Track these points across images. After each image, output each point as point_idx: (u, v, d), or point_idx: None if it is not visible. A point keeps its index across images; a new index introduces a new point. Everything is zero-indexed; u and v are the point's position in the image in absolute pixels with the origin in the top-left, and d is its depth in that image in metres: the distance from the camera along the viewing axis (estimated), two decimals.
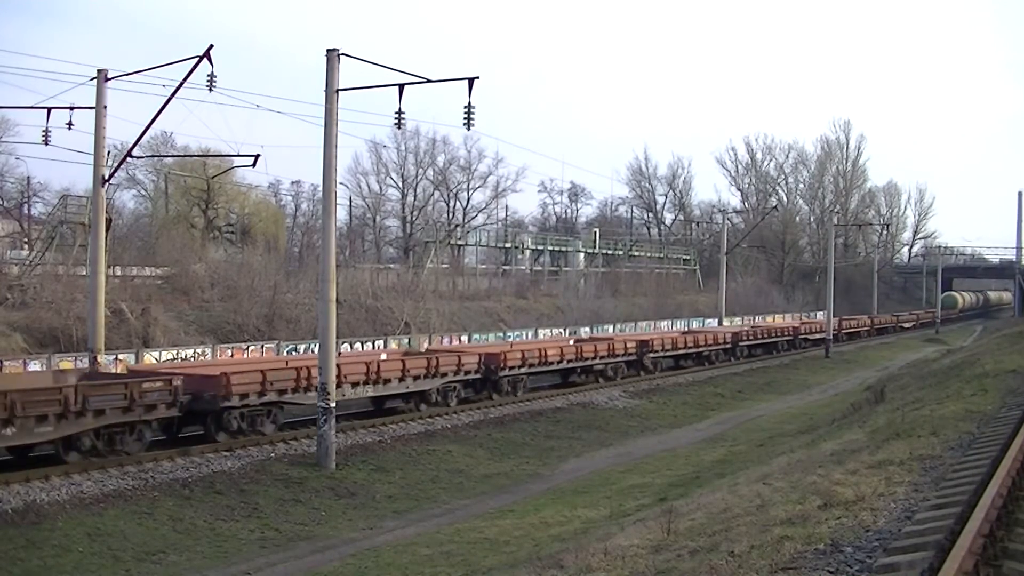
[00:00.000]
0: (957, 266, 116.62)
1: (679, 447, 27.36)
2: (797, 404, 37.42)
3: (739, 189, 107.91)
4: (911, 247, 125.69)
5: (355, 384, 25.95)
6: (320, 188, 23.76)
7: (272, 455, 22.34)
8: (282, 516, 18.48)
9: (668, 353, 43.63)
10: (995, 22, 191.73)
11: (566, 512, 18.24)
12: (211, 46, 23.39)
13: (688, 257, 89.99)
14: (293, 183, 78.71)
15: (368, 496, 20.44)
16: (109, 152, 27.63)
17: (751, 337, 53.14)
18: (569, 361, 35.91)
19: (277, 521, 18.12)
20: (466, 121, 22.36)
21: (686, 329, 54.58)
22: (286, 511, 18.83)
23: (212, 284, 42.91)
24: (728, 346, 49.60)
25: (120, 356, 28.62)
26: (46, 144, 26.44)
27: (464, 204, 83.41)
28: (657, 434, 30.20)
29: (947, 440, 14.59)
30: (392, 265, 65.30)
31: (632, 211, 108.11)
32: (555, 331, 48.97)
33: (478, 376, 30.95)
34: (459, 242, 70.50)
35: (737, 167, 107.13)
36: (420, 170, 80.00)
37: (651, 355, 41.52)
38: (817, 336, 60.27)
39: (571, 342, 39.19)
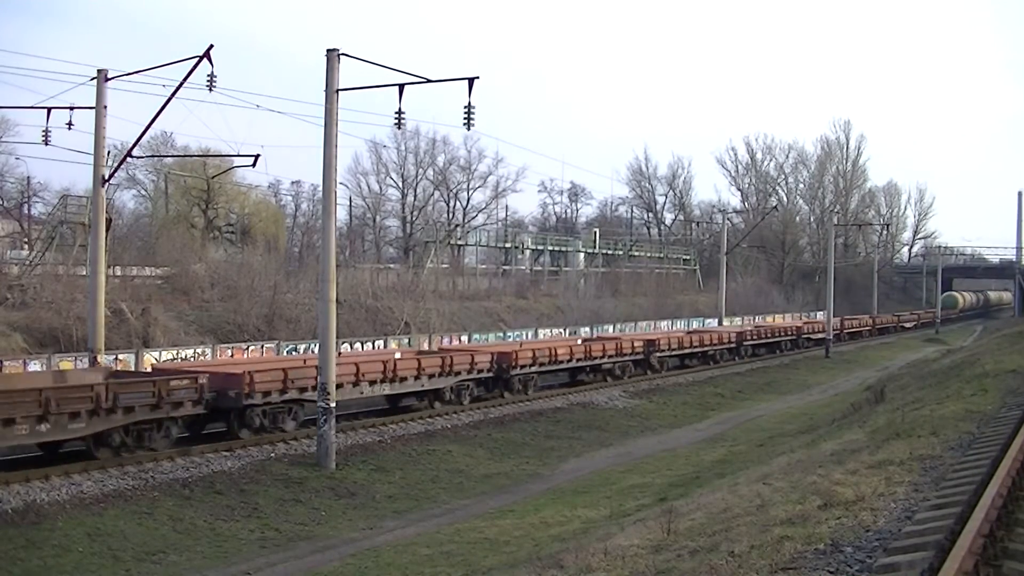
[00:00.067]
0: (957, 266, 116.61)
1: (679, 447, 27.36)
2: (797, 404, 37.42)
3: (739, 189, 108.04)
4: (911, 247, 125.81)
5: (372, 382, 26.57)
6: (320, 188, 23.76)
7: (272, 455, 22.34)
8: (282, 516, 18.49)
9: (674, 352, 44.48)
10: (995, 22, 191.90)
11: (566, 512, 18.24)
12: (211, 46, 23.43)
13: (688, 257, 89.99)
14: (293, 183, 78.88)
15: (368, 496, 20.44)
16: (109, 152, 27.64)
17: (755, 337, 53.87)
18: (578, 360, 36.55)
19: (277, 521, 18.12)
20: (466, 121, 22.37)
21: (691, 329, 55.02)
22: (286, 511, 18.83)
23: (212, 284, 42.90)
24: (732, 345, 50.24)
25: (120, 356, 28.60)
26: (46, 144, 26.47)
27: (464, 204, 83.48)
28: (657, 434, 30.20)
29: (947, 440, 14.59)
30: (392, 265, 65.28)
31: (632, 211, 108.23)
32: (555, 331, 48.97)
33: (490, 375, 31.51)
34: (459, 242, 70.48)
35: (737, 167, 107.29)
36: (420, 170, 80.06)
37: (658, 354, 42.21)
38: (820, 336, 60.58)
39: (579, 341, 39.58)
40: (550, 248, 76.51)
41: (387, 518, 18.89)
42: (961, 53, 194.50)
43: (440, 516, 19.01)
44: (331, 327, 22.61)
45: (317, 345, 25.29)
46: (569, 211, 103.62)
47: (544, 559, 12.51)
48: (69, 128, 26.10)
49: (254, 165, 27.47)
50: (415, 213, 78.56)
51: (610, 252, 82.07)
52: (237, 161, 36.06)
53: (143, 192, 67.16)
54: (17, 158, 56.46)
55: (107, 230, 27.85)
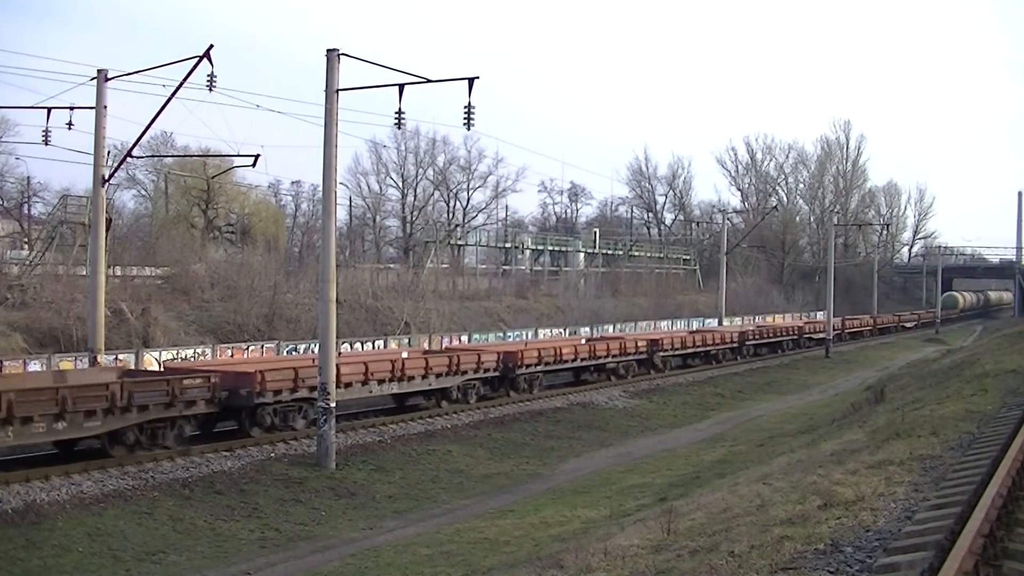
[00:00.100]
0: (957, 266, 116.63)
1: (679, 447, 27.36)
2: (797, 404, 37.42)
3: (739, 189, 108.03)
4: (911, 247, 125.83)
5: (381, 381, 26.88)
6: (320, 188, 23.76)
7: (272, 455, 22.35)
8: (282, 516, 18.48)
9: (677, 352, 44.84)
10: (995, 22, 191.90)
11: (566, 512, 18.24)
12: (211, 46, 23.44)
13: (688, 257, 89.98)
14: (293, 183, 78.86)
15: (368, 496, 20.44)
16: (109, 152, 27.65)
17: (757, 336, 54.24)
18: (583, 360, 36.83)
19: (277, 521, 18.12)
20: (466, 121, 22.37)
21: (694, 328, 55.26)
22: (286, 511, 18.83)
23: (212, 284, 42.88)
24: (735, 345, 50.58)
25: (120, 356, 28.60)
26: (46, 144, 26.48)
27: (464, 204, 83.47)
28: (657, 434, 30.20)
29: (947, 440, 14.59)
30: (392, 265, 65.25)
31: (632, 211, 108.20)
32: (555, 331, 48.98)
33: (496, 374, 31.79)
34: (459, 242, 70.46)
35: (737, 167, 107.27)
36: (420, 170, 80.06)
37: (661, 354, 42.58)
38: (821, 336, 60.79)
39: (583, 341, 39.78)
40: (550, 248, 76.50)
41: (387, 518, 18.89)
42: (961, 53, 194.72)
43: (440, 516, 19.01)
44: (331, 327, 22.61)
45: (317, 345, 25.32)
46: (569, 211, 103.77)
47: (544, 559, 12.51)
48: (69, 128, 26.14)
49: (254, 165, 27.52)
50: (415, 213, 78.56)
51: (610, 252, 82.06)
52: (237, 161, 36.12)
53: (143, 192, 67.26)
54: (17, 158, 56.56)
55: (107, 230, 27.86)
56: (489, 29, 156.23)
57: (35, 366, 26.46)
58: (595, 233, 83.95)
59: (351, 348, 35.44)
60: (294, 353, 33.35)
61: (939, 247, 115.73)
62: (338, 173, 23.51)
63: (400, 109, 22.07)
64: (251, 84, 76.03)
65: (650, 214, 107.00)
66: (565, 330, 49.55)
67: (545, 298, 62.28)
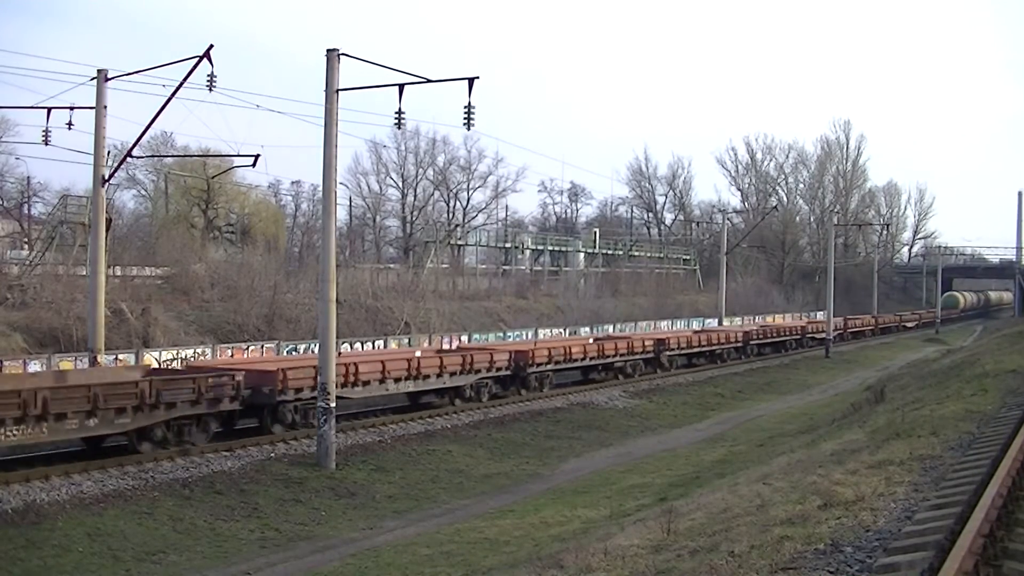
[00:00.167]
0: (957, 266, 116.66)
1: (679, 447, 27.36)
2: (797, 404, 37.42)
3: (739, 189, 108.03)
4: (911, 247, 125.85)
5: (397, 379, 27.48)
6: (320, 188, 23.75)
7: (272, 455, 22.34)
8: (282, 516, 18.48)
9: (683, 351, 45.36)
10: (995, 22, 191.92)
11: (566, 512, 18.24)
12: (211, 46, 23.43)
13: (688, 257, 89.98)
14: (293, 183, 78.85)
15: (368, 496, 20.44)
16: (109, 152, 27.64)
17: (761, 336, 54.84)
18: (592, 358, 37.40)
19: (277, 521, 18.11)
20: (466, 121, 22.37)
21: (700, 328, 55.59)
22: (286, 511, 18.83)
23: (212, 284, 42.88)
24: (739, 345, 51.10)
25: (120, 356, 28.60)
26: (46, 144, 26.47)
27: (464, 204, 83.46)
28: (657, 434, 30.20)
29: (947, 440, 14.59)
30: (392, 265, 65.25)
31: (632, 211, 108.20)
32: (555, 331, 49.00)
33: (508, 373, 32.27)
34: (459, 242, 70.47)
35: (737, 167, 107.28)
36: (420, 170, 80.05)
37: (667, 353, 43.13)
38: (823, 335, 60.88)
39: (591, 340, 40.13)
40: (550, 248, 76.50)
41: (387, 518, 18.89)
42: (961, 53, 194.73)
43: (440, 516, 19.01)
44: (331, 327, 22.61)
45: (318, 345, 25.32)
46: (569, 211, 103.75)
47: (544, 559, 12.50)
48: (69, 128, 26.13)
49: (254, 165, 27.52)
50: (415, 213, 78.55)
51: (610, 252, 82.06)
52: (237, 161, 36.12)
53: (143, 192, 67.23)
54: (17, 158, 56.54)
55: (107, 230, 27.85)
56: (489, 29, 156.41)
57: (35, 366, 26.46)
58: (595, 233, 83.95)
59: (351, 348, 35.44)
60: (294, 353, 33.37)
61: (939, 247, 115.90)
62: (338, 173, 23.52)
63: (400, 109, 22.10)
64: (251, 84, 76.22)
65: (650, 214, 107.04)
66: (565, 330, 49.56)
67: (545, 298, 62.28)
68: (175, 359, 30.07)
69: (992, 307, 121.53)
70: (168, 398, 20.76)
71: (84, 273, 31.84)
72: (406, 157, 79.20)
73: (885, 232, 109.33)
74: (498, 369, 31.64)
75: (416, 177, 79.79)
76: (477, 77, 21.80)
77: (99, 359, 25.46)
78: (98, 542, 16.02)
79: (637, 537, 11.81)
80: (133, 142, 27.49)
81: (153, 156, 55.76)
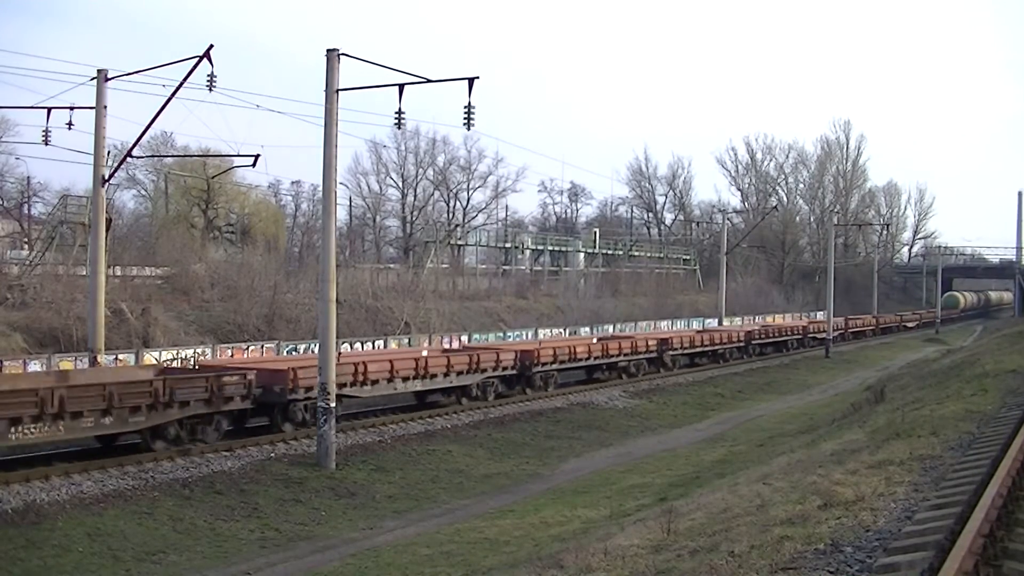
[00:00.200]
0: (957, 266, 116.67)
1: (679, 447, 27.36)
2: (797, 404, 37.42)
3: (739, 189, 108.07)
4: (911, 247, 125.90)
5: (406, 378, 27.76)
6: (320, 188, 23.75)
7: (272, 455, 22.34)
8: (282, 516, 18.48)
9: (686, 351, 45.64)
10: (995, 22, 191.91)
11: (566, 512, 18.24)
12: (211, 46, 23.45)
13: (688, 257, 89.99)
14: (293, 183, 78.87)
15: (368, 496, 20.44)
16: (109, 152, 27.64)
17: (763, 336, 55.18)
18: (596, 358, 37.67)
19: (277, 521, 18.11)
20: (466, 121, 22.36)
21: (702, 328, 55.81)
22: (286, 511, 18.82)
23: (212, 284, 42.89)
24: (742, 344, 51.39)
25: (120, 356, 28.60)
26: (46, 144, 26.49)
27: (464, 204, 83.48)
28: (657, 434, 30.20)
29: (947, 440, 14.58)
30: (392, 265, 65.25)
31: (632, 211, 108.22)
32: (555, 331, 49.01)
33: (514, 372, 32.57)
34: (459, 242, 70.47)
35: (737, 167, 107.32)
36: (420, 170, 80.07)
37: (671, 352, 43.41)
38: (824, 335, 60.88)
39: (595, 340, 40.35)
40: (550, 248, 76.51)
41: (387, 518, 18.89)
42: (961, 53, 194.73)
43: (440, 516, 19.01)
44: (331, 327, 22.61)
45: (318, 345, 25.33)
46: (569, 211, 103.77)
47: (544, 559, 12.50)
48: (69, 128, 26.15)
49: (254, 165, 27.54)
50: (415, 213, 78.56)
51: (610, 252, 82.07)
52: (237, 161, 36.14)
53: (143, 192, 67.24)
54: (17, 158, 56.55)
55: (107, 230, 27.85)
56: (489, 29, 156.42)
57: (35, 366, 26.45)
58: (595, 233, 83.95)
59: (351, 348, 35.45)
60: (294, 353, 33.38)
61: (939, 247, 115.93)
62: (338, 173, 23.51)
63: (400, 109, 22.10)
64: (251, 84, 76.28)
65: (650, 214, 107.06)
66: (565, 330, 49.57)
67: (545, 298, 62.29)
68: (175, 359, 30.06)
69: (992, 307, 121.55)
70: (182, 397, 20.98)
71: (84, 273, 31.84)
72: (406, 157, 79.34)
73: (885, 232, 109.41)
74: (504, 369, 31.91)
75: (416, 177, 79.88)
76: (477, 77, 21.83)
77: (99, 359, 25.46)
78: (98, 542, 16.02)
79: (637, 537, 11.81)
80: (133, 142, 27.54)
81: (153, 156, 55.81)
